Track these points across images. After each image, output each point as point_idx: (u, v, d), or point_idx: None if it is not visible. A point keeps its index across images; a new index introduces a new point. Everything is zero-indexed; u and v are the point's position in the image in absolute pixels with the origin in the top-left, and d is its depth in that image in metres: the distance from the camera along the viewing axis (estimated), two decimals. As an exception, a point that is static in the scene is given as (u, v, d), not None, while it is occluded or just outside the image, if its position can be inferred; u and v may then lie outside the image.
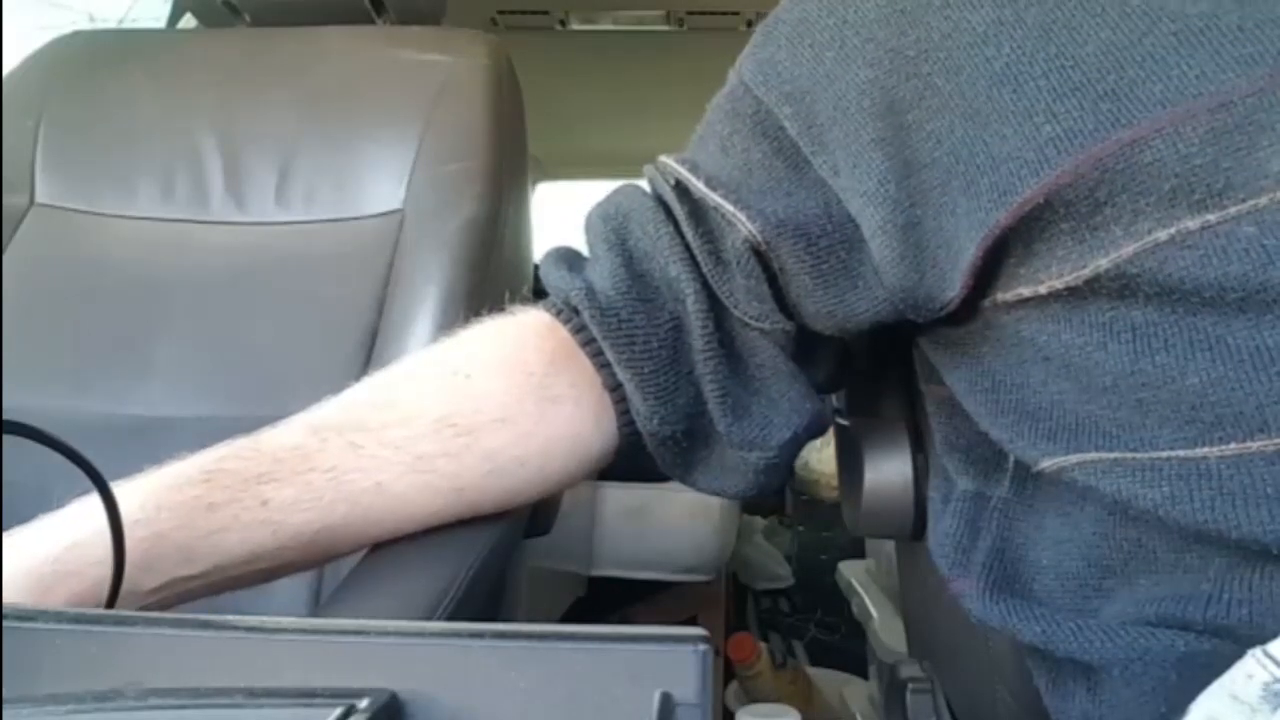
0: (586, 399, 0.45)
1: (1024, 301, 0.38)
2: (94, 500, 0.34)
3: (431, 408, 0.44)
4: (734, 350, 0.45)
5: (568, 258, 0.47)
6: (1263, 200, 0.32)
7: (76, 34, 0.97)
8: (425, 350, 0.49)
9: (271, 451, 0.42)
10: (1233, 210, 0.32)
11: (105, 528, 0.34)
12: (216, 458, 0.42)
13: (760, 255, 0.42)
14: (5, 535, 0.38)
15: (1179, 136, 0.32)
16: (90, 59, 0.93)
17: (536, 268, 0.50)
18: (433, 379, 0.46)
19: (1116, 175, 0.33)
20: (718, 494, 0.48)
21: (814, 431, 0.47)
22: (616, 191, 0.48)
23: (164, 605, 0.41)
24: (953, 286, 0.38)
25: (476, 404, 0.44)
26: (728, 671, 1.49)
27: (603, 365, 0.45)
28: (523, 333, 0.46)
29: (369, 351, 0.75)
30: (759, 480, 0.46)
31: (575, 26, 1.59)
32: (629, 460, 0.48)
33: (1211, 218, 0.32)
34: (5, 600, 0.36)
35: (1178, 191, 0.32)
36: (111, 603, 0.36)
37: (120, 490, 0.40)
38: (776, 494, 1.97)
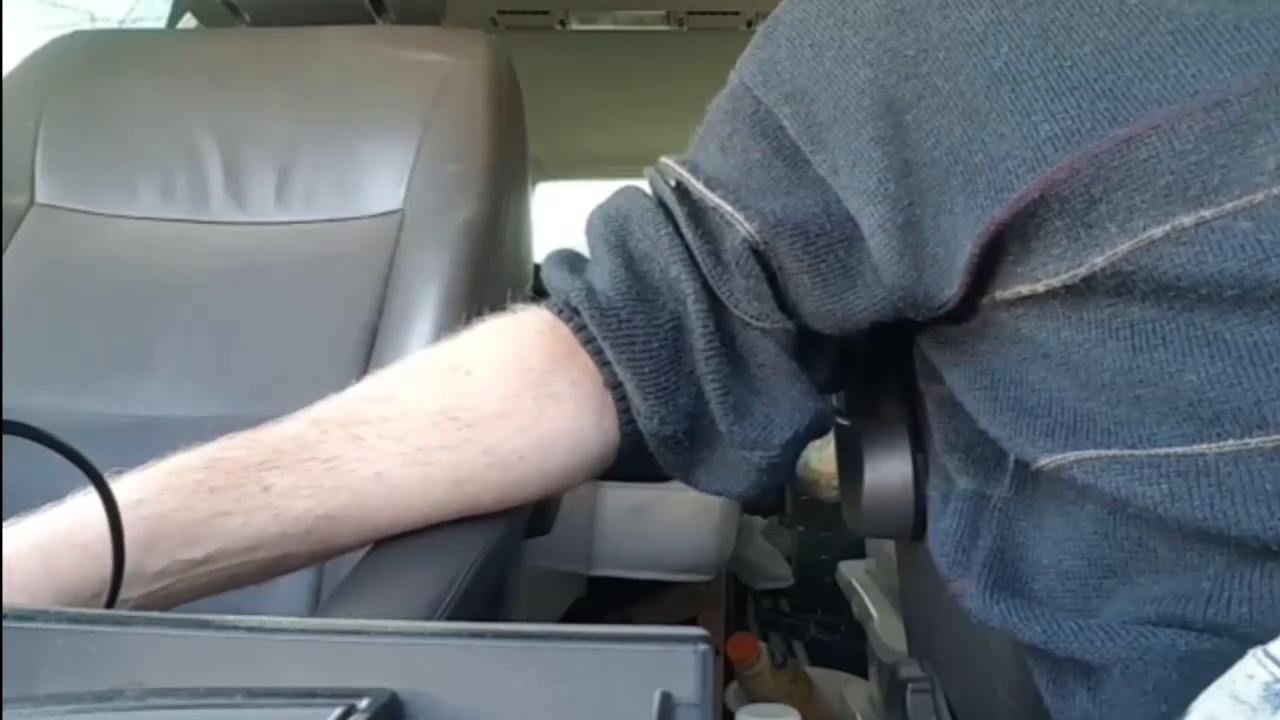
0: (587, 397, 0.45)
1: (1023, 300, 0.38)
2: (95, 493, 0.34)
3: (431, 401, 0.44)
4: (735, 350, 0.45)
5: (569, 259, 0.48)
6: (1259, 196, 0.32)
7: (77, 34, 0.97)
8: (426, 349, 0.49)
9: (272, 442, 0.43)
10: (1228, 206, 0.32)
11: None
12: (218, 448, 0.43)
13: (759, 255, 0.42)
14: (7, 524, 0.39)
15: (1175, 134, 0.32)
16: (90, 59, 0.93)
17: (537, 268, 0.50)
18: (433, 374, 0.46)
19: (1112, 172, 0.33)
20: (720, 494, 0.48)
21: (816, 430, 0.47)
22: (617, 194, 0.48)
23: (169, 597, 0.41)
24: (951, 285, 0.39)
25: (476, 398, 0.44)
26: (728, 671, 1.49)
27: (604, 364, 0.45)
28: (523, 331, 0.46)
29: (369, 351, 0.75)
30: (761, 480, 0.46)
31: (575, 26, 1.58)
32: (631, 462, 0.48)
33: (1207, 214, 0.32)
34: (7, 578, 0.36)
35: (1173, 188, 0.32)
36: (111, 603, 0.36)
37: (122, 479, 0.40)
38: (776, 494, 1.97)
